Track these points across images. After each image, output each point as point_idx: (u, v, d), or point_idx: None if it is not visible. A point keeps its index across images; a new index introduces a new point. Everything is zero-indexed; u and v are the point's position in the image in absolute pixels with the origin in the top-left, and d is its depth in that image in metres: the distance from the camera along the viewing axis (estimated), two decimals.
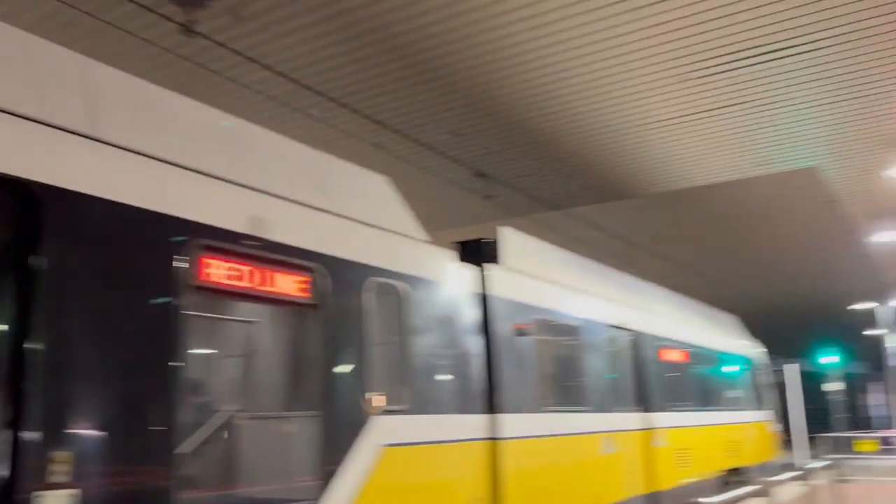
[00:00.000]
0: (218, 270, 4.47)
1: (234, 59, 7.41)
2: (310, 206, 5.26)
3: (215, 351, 5.28)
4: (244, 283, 4.61)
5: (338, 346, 5.18)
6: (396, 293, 5.95)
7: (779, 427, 17.67)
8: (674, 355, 11.75)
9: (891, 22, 7.17)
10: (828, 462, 7.99)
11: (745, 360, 15.71)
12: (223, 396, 5.18)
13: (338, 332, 5.20)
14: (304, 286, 5.02)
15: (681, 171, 11.48)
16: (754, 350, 16.73)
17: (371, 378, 5.49)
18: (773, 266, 21.58)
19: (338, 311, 5.22)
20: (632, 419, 9.90)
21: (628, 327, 10.25)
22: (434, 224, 13.71)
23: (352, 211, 5.68)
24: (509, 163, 10.73)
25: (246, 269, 4.63)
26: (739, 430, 14.41)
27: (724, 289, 22.79)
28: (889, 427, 33.76)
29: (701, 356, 13.01)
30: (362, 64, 7.78)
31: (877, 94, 8.74)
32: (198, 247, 4.35)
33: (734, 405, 14.59)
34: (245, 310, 5.10)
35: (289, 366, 5.52)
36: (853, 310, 28.53)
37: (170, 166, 4.33)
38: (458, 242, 8.08)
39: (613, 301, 10.06)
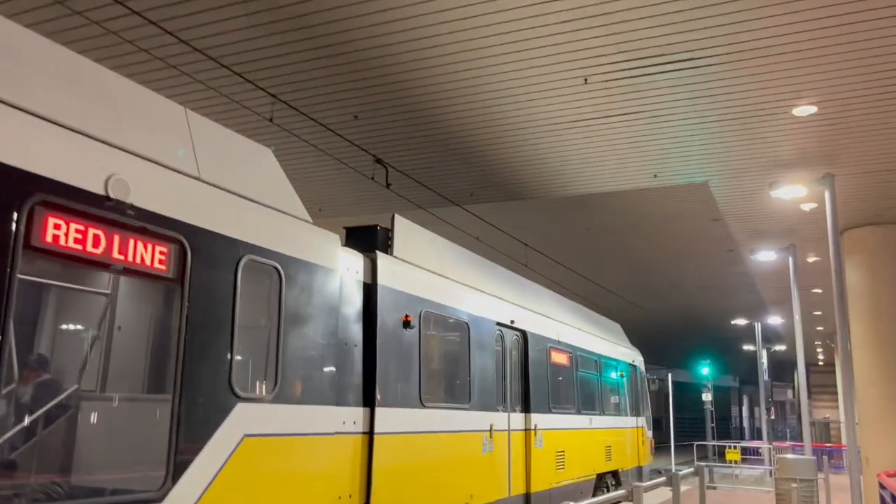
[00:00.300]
0: (61, 232, 3.99)
1: (116, 8, 6.81)
2: (175, 171, 4.82)
3: (57, 323, 4.76)
4: (92, 250, 4.14)
5: (199, 326, 4.77)
6: (273, 274, 5.59)
7: (651, 434, 18.25)
8: (558, 357, 11.84)
9: (781, 44, 7.37)
10: (692, 469, 8.16)
11: (625, 367, 16.11)
12: (63, 374, 4.67)
13: (200, 311, 4.79)
14: (162, 258, 4.59)
15: (576, 176, 11.56)
16: (634, 357, 17.21)
17: (237, 363, 5.11)
18: (660, 278, 22.33)
19: (201, 288, 4.81)
20: (514, 419, 9.86)
21: (516, 326, 10.21)
22: (334, 209, 13.35)
23: (226, 181, 5.27)
24: (410, 153, 10.48)
25: (94, 233, 4.16)
26: (617, 434, 14.74)
27: (611, 297, 23.44)
28: (759, 438, 35.74)
29: (584, 360, 13.20)
30: (259, 31, 7.33)
31: (766, 116, 9.03)
32: (38, 203, 3.87)
33: (613, 410, 14.92)
34: (95, 280, 4.60)
35: (143, 344, 5.06)
36: (734, 325, 29.96)
37: (5, 107, 3.82)
38: (350, 228, 7.78)
39: (503, 299, 9.99)
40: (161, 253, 4.58)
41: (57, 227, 3.95)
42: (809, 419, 18.81)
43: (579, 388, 12.74)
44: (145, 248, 4.47)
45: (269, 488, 5.21)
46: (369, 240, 7.47)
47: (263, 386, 5.44)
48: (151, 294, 4.97)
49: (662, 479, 6.84)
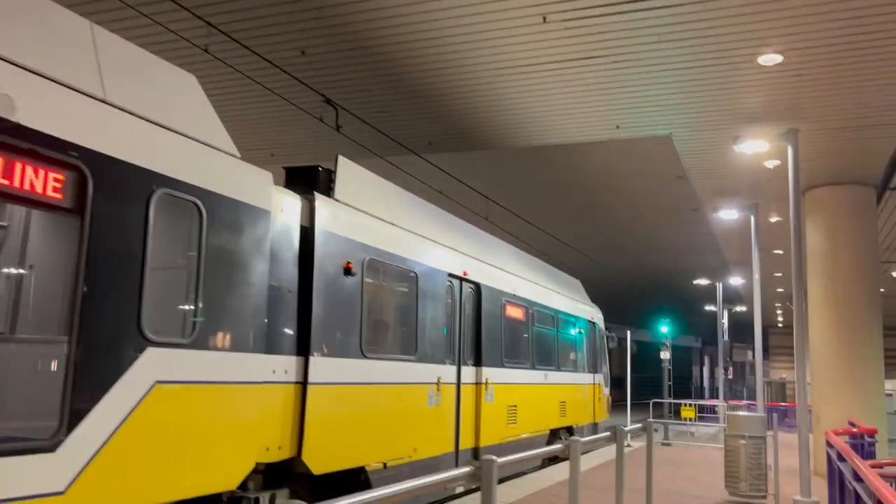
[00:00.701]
0: None
1: None
2: (75, 90, 4.35)
3: None
4: None
5: (102, 263, 4.35)
6: (192, 211, 5.16)
7: (609, 391, 18.28)
8: (513, 311, 11.61)
9: None
10: (640, 425, 8.01)
11: (583, 323, 15.99)
12: None
13: (103, 246, 4.36)
14: (57, 186, 4.14)
15: (537, 126, 11.17)
16: (594, 314, 17.09)
17: (147, 305, 4.71)
18: (624, 235, 22.18)
19: (105, 221, 4.38)
20: (465, 372, 9.63)
21: (469, 278, 9.92)
22: (287, 154, 12.82)
23: (138, 105, 4.80)
24: (362, 94, 9.98)
25: None
26: (572, 390, 14.67)
27: (573, 254, 23.28)
28: (715, 397, 36.36)
29: (540, 315, 12.99)
30: None
31: (732, 64, 8.69)
32: None
33: (569, 366, 14.81)
34: None
35: (37, 281, 4.63)
36: (697, 285, 30.10)
37: None
38: (290, 168, 7.35)
39: (456, 251, 9.66)
40: (56, 180, 4.14)
41: None
42: (764, 379, 18.97)
43: (535, 343, 12.56)
44: (36, 173, 4.02)
45: (184, 438, 4.88)
46: (310, 181, 7.05)
47: (180, 330, 5.06)
48: (46, 227, 4.53)
49: (606, 434, 6.64)
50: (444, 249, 9.28)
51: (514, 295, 11.66)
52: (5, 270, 4.37)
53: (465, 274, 9.76)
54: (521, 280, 12.17)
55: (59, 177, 4.14)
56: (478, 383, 10.04)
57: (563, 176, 15.62)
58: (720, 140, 11.32)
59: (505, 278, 11.37)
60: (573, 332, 15.19)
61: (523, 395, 11.72)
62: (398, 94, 9.98)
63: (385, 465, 7.50)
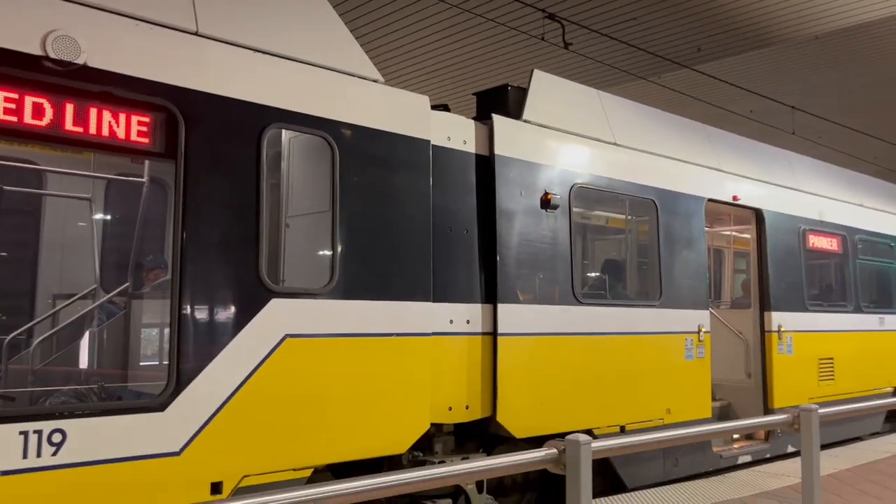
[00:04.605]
0: None
1: None
2: (158, 24, 4.04)
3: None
4: (33, 121, 3.57)
5: (201, 209, 4.03)
6: (322, 146, 4.64)
7: None
8: (821, 242, 9.28)
9: None
10: None
11: None
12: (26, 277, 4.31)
13: (202, 192, 4.04)
14: (141, 130, 3.89)
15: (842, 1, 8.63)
16: None
17: (274, 252, 4.32)
18: None
19: (203, 164, 4.04)
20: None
21: (744, 204, 8.05)
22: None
23: (240, 34, 4.37)
24: (592, 3, 8.63)
25: (44, 102, 3.58)
26: None
27: None
28: None
29: (868, 244, 10.25)
30: None
31: None
32: None
33: None
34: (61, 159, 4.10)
35: (138, 232, 4.50)
36: None
37: None
38: (480, 93, 6.51)
39: (720, 170, 7.89)
40: (141, 123, 3.88)
41: None
42: None
43: (859, 280, 9.93)
44: (116, 118, 3.80)
45: (328, 399, 4.41)
46: (496, 104, 6.11)
47: (316, 279, 4.58)
48: (131, 172, 4.36)
49: None
50: (700, 169, 7.60)
51: (821, 221, 9.29)
52: (116, 227, 4.30)
53: (735, 199, 7.93)
54: (832, 202, 9.67)
55: (145, 119, 3.89)
56: (765, 331, 8.15)
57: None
58: None
59: (804, 201, 9.10)
60: None
61: (843, 345, 9.34)
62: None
63: (623, 428, 6.34)
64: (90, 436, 3.53)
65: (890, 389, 10.24)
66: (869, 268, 10.24)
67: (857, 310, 9.80)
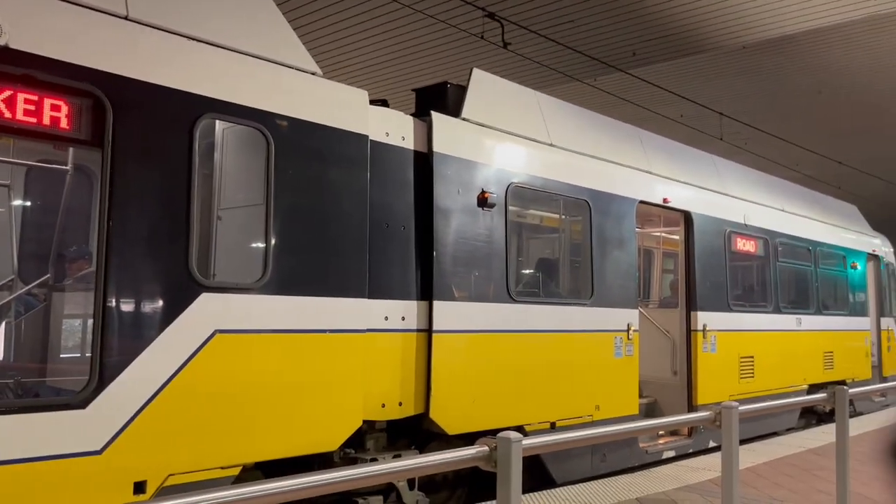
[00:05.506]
0: None
1: None
2: (88, 7, 3.89)
3: None
4: None
5: (133, 200, 3.90)
6: (257, 139, 4.55)
7: None
8: (745, 245, 9.64)
9: None
10: None
11: (859, 257, 13.03)
12: None
13: (131, 180, 3.91)
14: (67, 117, 3.73)
15: (770, 12, 8.96)
16: (876, 246, 13.91)
17: (205, 245, 4.22)
18: None
19: (129, 154, 3.91)
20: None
21: (673, 206, 8.28)
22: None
23: (173, 20, 4.24)
24: (532, 3, 8.73)
25: None
26: (843, 338, 12.05)
27: (858, 176, 19.32)
28: None
29: (788, 248, 10.70)
30: None
31: None
32: None
33: (839, 308, 12.16)
34: None
35: (61, 221, 4.35)
36: None
37: None
38: (419, 90, 6.50)
39: (650, 173, 8.10)
40: (66, 109, 3.73)
41: None
42: None
43: (780, 281, 10.37)
44: (40, 103, 3.64)
45: (256, 395, 4.33)
46: (434, 101, 6.12)
47: (247, 274, 4.50)
48: (55, 159, 4.21)
49: (893, 383, 4.92)
50: (633, 172, 7.78)
51: (745, 224, 9.65)
52: (36, 216, 4.13)
53: (665, 201, 8.16)
54: (755, 207, 10.06)
55: (70, 105, 3.73)
56: (691, 330, 8.43)
57: (833, 80, 12.72)
58: None
59: (730, 205, 9.43)
60: (842, 267, 12.44)
61: (763, 344, 9.73)
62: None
63: (553, 424, 6.45)
64: (3, 434, 3.38)
65: (805, 387, 10.73)
66: (788, 270, 10.70)
67: (777, 310, 10.23)
